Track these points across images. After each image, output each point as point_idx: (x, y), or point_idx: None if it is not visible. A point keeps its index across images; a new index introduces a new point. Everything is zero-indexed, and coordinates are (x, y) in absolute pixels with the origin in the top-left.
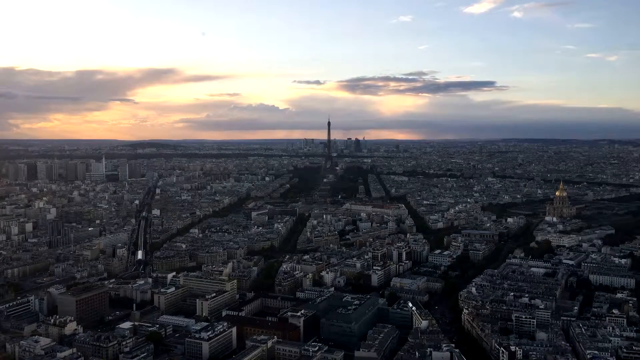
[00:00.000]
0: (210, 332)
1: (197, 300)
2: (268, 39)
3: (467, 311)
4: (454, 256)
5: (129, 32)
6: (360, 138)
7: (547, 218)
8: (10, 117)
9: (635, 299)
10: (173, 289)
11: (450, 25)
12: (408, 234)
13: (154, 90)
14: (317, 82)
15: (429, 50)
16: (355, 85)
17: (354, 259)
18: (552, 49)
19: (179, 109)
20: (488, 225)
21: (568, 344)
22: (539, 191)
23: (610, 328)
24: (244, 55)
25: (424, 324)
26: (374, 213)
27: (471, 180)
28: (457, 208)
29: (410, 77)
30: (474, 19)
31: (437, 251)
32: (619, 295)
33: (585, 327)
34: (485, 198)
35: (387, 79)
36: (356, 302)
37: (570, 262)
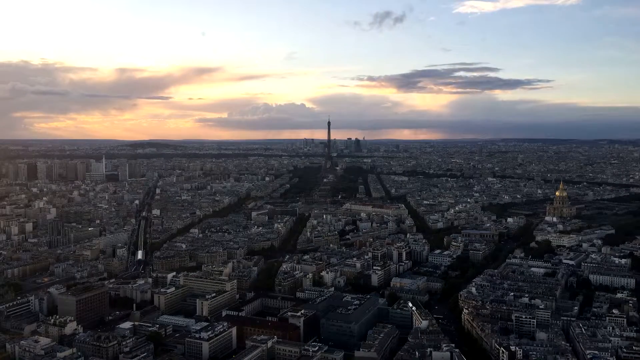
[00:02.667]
0: (210, 332)
1: (197, 300)
2: (318, 36)
3: (467, 311)
4: (454, 256)
5: (170, 30)
6: (383, 138)
7: (547, 218)
8: (27, 115)
9: (635, 299)
10: (173, 289)
11: (532, 19)
12: (408, 234)
13: (190, 88)
14: (371, 79)
15: (499, 44)
16: (402, 81)
17: (354, 259)
18: (613, 46)
19: (209, 108)
20: (488, 225)
21: (568, 344)
22: (539, 191)
23: (610, 328)
24: (295, 52)
25: (424, 324)
26: (374, 213)
27: (471, 180)
28: (457, 208)
29: (469, 73)
30: (563, 10)
31: (437, 251)
32: (619, 295)
33: (585, 327)
34: (485, 198)
35: (444, 74)
36: (356, 302)
37: (570, 262)
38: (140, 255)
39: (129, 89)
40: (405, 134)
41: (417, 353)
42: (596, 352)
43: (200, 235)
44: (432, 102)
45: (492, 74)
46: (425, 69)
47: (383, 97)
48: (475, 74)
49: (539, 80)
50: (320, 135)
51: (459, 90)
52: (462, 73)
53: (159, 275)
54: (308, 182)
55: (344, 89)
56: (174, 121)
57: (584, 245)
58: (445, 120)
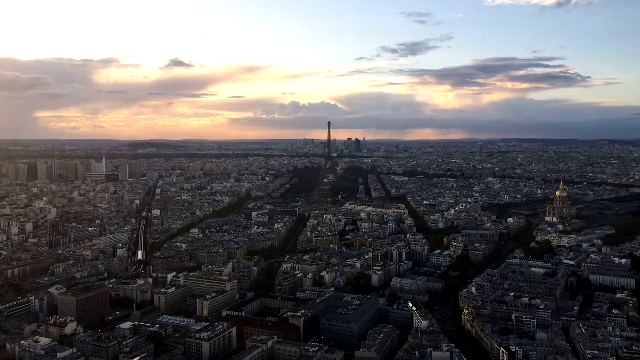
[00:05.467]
0: (210, 332)
1: (197, 300)
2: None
3: (467, 311)
4: (454, 256)
5: (212, 28)
6: (402, 138)
7: (547, 218)
8: (46, 115)
9: (635, 299)
10: (173, 289)
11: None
12: (408, 234)
13: (229, 87)
14: (433, 74)
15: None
16: (458, 78)
17: (354, 259)
18: None
19: (244, 106)
20: (488, 225)
21: (568, 344)
22: (539, 191)
23: (610, 328)
24: (347, 49)
25: (424, 324)
26: (374, 213)
27: (471, 180)
28: (457, 208)
29: (543, 69)
30: None
31: (437, 251)
32: (619, 295)
33: (585, 327)
34: (485, 198)
35: (513, 67)
36: (356, 302)
37: (570, 262)
38: (140, 255)
39: (171, 87)
40: (427, 133)
41: (417, 353)
42: (596, 352)
43: (200, 235)
44: (471, 100)
45: (572, 71)
46: (493, 64)
47: (421, 95)
48: (548, 70)
49: (601, 78)
50: (349, 135)
51: (513, 87)
52: (534, 69)
53: (159, 275)
54: (308, 182)
55: (389, 88)
56: (196, 120)
57: (584, 245)
58: (486, 120)
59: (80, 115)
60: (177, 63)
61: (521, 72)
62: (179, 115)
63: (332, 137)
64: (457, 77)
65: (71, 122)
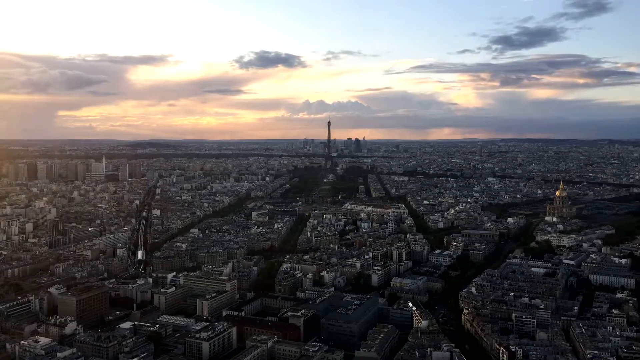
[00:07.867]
0: (210, 332)
1: (197, 300)
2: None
3: (467, 311)
4: (454, 256)
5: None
6: (428, 138)
7: (547, 218)
8: (65, 114)
9: (635, 299)
10: (173, 289)
11: None
12: (408, 234)
13: (267, 86)
14: (490, 69)
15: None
16: (507, 76)
17: (354, 259)
18: None
19: (269, 106)
20: (488, 225)
21: (568, 344)
22: (539, 191)
23: (610, 328)
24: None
25: (424, 324)
26: (374, 213)
27: (471, 180)
28: (457, 208)
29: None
30: None
31: (437, 251)
32: (619, 295)
33: (585, 327)
34: (485, 198)
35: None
36: (356, 302)
37: (571, 262)
38: (140, 255)
39: (207, 86)
40: (451, 133)
41: (417, 353)
42: (596, 352)
43: (200, 235)
44: (504, 99)
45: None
46: (562, 60)
47: (455, 94)
48: (613, 66)
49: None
50: (375, 135)
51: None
52: (601, 65)
53: (159, 275)
54: (308, 182)
55: (432, 86)
56: (215, 119)
57: (584, 245)
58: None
59: (95, 114)
60: (262, 58)
61: (582, 70)
62: (199, 114)
63: (356, 137)
64: (522, 73)
65: (86, 122)
